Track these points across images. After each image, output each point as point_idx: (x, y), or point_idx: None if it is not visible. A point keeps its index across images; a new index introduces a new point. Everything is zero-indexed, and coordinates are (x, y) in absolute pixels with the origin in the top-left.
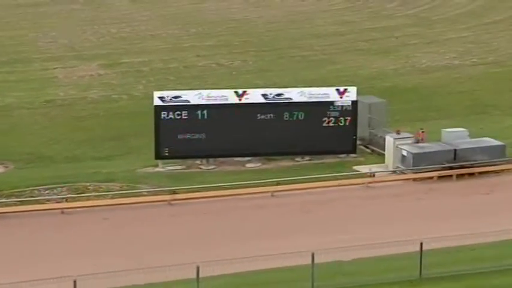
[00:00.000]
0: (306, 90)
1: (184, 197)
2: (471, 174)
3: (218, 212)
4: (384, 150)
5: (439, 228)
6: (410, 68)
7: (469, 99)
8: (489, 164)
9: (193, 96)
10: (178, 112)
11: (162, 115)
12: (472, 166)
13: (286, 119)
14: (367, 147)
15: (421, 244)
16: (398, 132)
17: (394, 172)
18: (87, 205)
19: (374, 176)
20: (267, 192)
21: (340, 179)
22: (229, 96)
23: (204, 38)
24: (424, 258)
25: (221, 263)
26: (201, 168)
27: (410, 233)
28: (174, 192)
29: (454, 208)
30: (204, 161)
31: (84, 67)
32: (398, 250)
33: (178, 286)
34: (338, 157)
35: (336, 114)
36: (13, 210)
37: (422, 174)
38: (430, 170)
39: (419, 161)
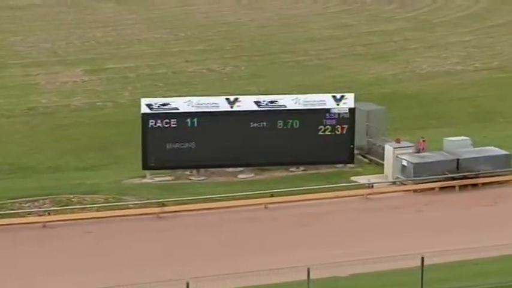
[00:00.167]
0: (301, 97)
1: (173, 210)
2: (474, 185)
3: (209, 226)
4: (383, 160)
5: (441, 241)
6: (410, 74)
7: (472, 106)
8: (493, 174)
9: (183, 104)
10: (166, 120)
11: (150, 123)
12: (475, 177)
13: (280, 127)
14: (365, 157)
15: (422, 259)
16: (398, 141)
17: (393, 183)
18: (70, 218)
19: (373, 187)
20: (260, 204)
21: (337, 190)
22: (220, 104)
23: (193, 42)
24: (426, 274)
25: (212, 279)
26: (190, 179)
27: (411, 247)
28: (162, 204)
29: (457, 221)
30: (194, 171)
31: (67, 73)
32: (398, 265)
33: None
34: (335, 167)
35: (333, 122)
36: None
37: (423, 185)
38: (431, 180)
39: (420, 171)
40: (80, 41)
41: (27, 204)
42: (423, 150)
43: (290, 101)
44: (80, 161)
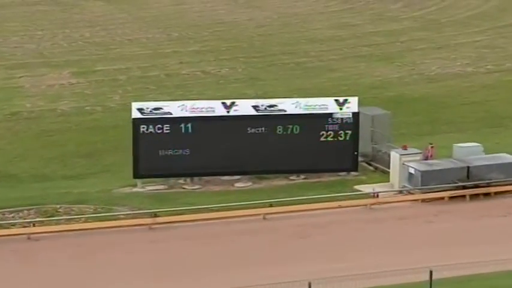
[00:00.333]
0: (302, 100)
1: (166, 221)
2: (486, 195)
3: (204, 238)
4: (389, 168)
5: (450, 254)
6: (417, 76)
7: (483, 110)
8: (506, 183)
9: (176, 108)
10: (159, 125)
11: (141, 129)
12: (487, 185)
13: (280, 133)
14: (370, 165)
15: (431, 272)
16: (404, 148)
17: (400, 192)
18: (56, 230)
19: (378, 196)
20: (259, 214)
21: (340, 200)
22: (216, 108)
23: (187, 43)
24: None
25: None
26: (184, 188)
27: (419, 260)
28: (154, 215)
29: (468, 232)
30: (188, 180)
31: (53, 75)
32: (405, 279)
33: None
34: (337, 175)
35: (335, 127)
36: None
37: (431, 194)
38: (440, 189)
39: (428, 179)
40: (66, 41)
41: (11, 215)
42: (431, 157)
43: (290, 105)
44: (67, 169)
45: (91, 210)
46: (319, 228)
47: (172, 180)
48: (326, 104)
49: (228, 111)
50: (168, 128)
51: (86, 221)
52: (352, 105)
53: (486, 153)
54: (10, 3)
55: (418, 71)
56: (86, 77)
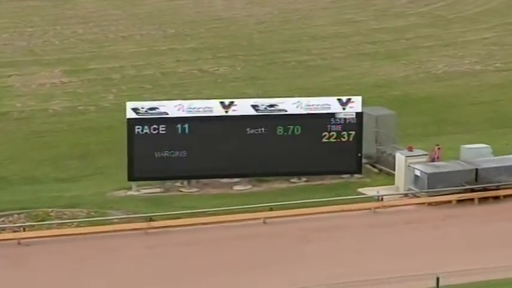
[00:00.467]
0: (303, 100)
1: (162, 225)
2: (496, 198)
3: (201, 243)
4: (394, 170)
5: (458, 260)
6: (423, 75)
7: (492, 110)
8: None
9: (173, 108)
10: (155, 126)
11: (136, 130)
12: (496, 188)
13: (280, 133)
14: (374, 167)
15: (438, 279)
16: (410, 149)
17: (405, 195)
18: (48, 235)
19: (382, 200)
20: (259, 219)
21: (343, 203)
22: (214, 108)
23: (184, 40)
24: None
25: None
26: (181, 191)
27: (425, 266)
28: (150, 219)
29: (476, 237)
30: (185, 182)
31: (45, 74)
32: (410, 286)
33: None
34: (340, 178)
35: (338, 128)
36: None
37: (438, 197)
38: (447, 193)
39: (435, 182)
40: (58, 38)
41: (1, 219)
42: (438, 159)
43: (291, 105)
44: (59, 172)
45: (84, 214)
46: (321, 233)
47: (168, 183)
48: (328, 104)
49: (226, 111)
50: (164, 129)
51: (78, 226)
52: (356, 105)
53: (495, 155)
54: None
55: (424, 69)
56: (78, 76)
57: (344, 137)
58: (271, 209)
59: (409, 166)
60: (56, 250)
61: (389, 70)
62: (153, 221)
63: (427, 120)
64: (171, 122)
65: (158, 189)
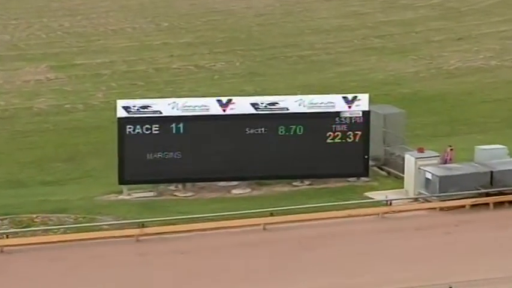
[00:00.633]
0: (306, 98)
1: (155, 232)
2: None
3: (197, 251)
4: (403, 173)
5: (472, 269)
6: (434, 71)
7: (508, 108)
8: None
9: (166, 106)
10: (147, 126)
11: (128, 129)
12: None
13: (282, 133)
14: (382, 169)
15: None
16: (420, 150)
17: (415, 200)
18: (33, 242)
19: (391, 204)
20: (258, 225)
21: (349, 208)
22: (210, 106)
23: (178, 33)
24: None
25: None
26: (176, 196)
27: (437, 275)
28: (142, 225)
29: (491, 244)
30: (180, 186)
31: (29, 70)
32: None
33: None
34: (346, 181)
35: (343, 127)
36: None
37: (451, 202)
38: (460, 197)
39: (447, 185)
40: (44, 32)
41: None
42: (450, 161)
43: (293, 103)
44: (45, 174)
45: (71, 220)
46: (326, 240)
47: (162, 187)
48: (333, 102)
49: (224, 110)
50: (157, 129)
51: (65, 232)
52: (362, 103)
53: (511, 157)
54: None
55: (435, 65)
56: (65, 72)
57: (350, 138)
58: (271, 215)
59: (419, 168)
60: (41, 258)
61: (398, 66)
62: (146, 227)
63: (439, 119)
64: (165, 121)
65: (151, 193)
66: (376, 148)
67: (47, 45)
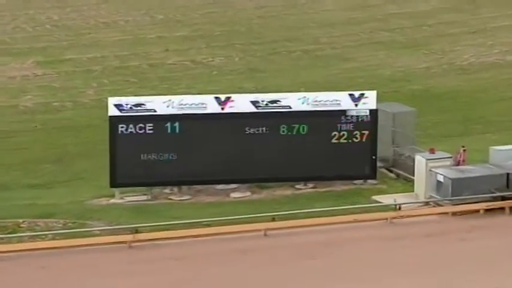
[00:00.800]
0: (310, 95)
1: (148, 238)
2: None
3: (193, 258)
4: (413, 175)
5: (486, 278)
6: (447, 67)
7: None
8: None
9: (161, 104)
10: (141, 125)
11: (120, 129)
12: None
13: (284, 133)
14: (391, 171)
15: None
16: (432, 151)
17: (426, 204)
18: (19, 249)
19: (400, 209)
20: (259, 230)
21: (355, 213)
22: (208, 104)
23: (174, 27)
24: None
25: None
26: (171, 199)
27: (449, 284)
28: (135, 231)
29: (507, 251)
30: (175, 189)
31: (15, 65)
32: None
33: None
34: (352, 184)
35: (350, 127)
36: None
37: (464, 206)
38: (474, 201)
39: (460, 189)
40: (31, 25)
41: None
42: (463, 162)
43: (296, 101)
44: (31, 177)
45: (60, 225)
46: (330, 247)
47: (156, 190)
48: (339, 100)
49: (222, 108)
50: (151, 128)
51: (53, 239)
52: (370, 100)
53: None
54: None
55: (448, 60)
56: (53, 68)
57: (356, 138)
58: (273, 220)
59: (430, 170)
60: (28, 266)
61: (407, 61)
62: (139, 233)
63: (451, 118)
64: (160, 120)
65: (144, 197)
66: (384, 149)
67: (34, 39)
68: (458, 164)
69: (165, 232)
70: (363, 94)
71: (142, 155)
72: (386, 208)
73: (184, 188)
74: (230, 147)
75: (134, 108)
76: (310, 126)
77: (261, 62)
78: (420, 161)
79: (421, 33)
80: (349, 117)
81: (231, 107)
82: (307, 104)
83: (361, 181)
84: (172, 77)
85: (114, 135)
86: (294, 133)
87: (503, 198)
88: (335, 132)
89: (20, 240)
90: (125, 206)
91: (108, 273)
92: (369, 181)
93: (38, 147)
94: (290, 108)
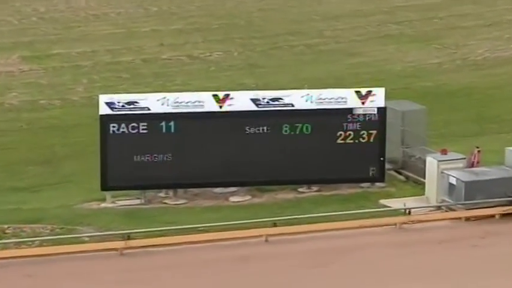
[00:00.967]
0: (314, 93)
1: (142, 245)
2: None
3: (190, 266)
4: (424, 178)
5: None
6: (460, 62)
7: None
8: None
9: (155, 102)
10: (134, 124)
11: (112, 128)
12: None
13: (286, 133)
14: (400, 173)
15: None
16: (444, 152)
17: (438, 208)
18: (3, 256)
19: (410, 213)
20: (260, 236)
21: (362, 218)
22: (205, 102)
23: (169, 19)
24: None
25: None
26: (166, 203)
27: None
28: (127, 237)
29: None
30: (171, 193)
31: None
32: None
33: None
34: (359, 187)
35: (356, 126)
36: None
37: (478, 211)
38: (489, 205)
39: (473, 192)
40: (16, 17)
41: None
42: (478, 164)
43: (299, 99)
44: (17, 180)
45: (47, 231)
46: (335, 254)
47: (150, 193)
48: (344, 97)
49: (220, 106)
50: (145, 128)
51: (40, 245)
52: (378, 98)
53: None
54: None
55: (461, 55)
56: (40, 63)
57: (363, 138)
58: (274, 225)
59: (442, 173)
60: (13, 275)
61: (418, 56)
62: (131, 239)
63: (464, 116)
64: (154, 119)
65: (138, 201)
66: (393, 149)
67: (19, 33)
68: (472, 165)
69: (160, 239)
70: (370, 91)
71: (135, 156)
72: (395, 213)
73: (180, 191)
74: (229, 148)
75: (127, 106)
76: (314, 125)
77: (261, 57)
78: (431, 162)
79: (432, 26)
80: (355, 116)
81: (229, 105)
82: (311, 102)
83: (368, 184)
84: (167, 73)
85: (105, 135)
86: (297, 133)
87: None
88: (340, 132)
89: (5, 247)
90: (116, 211)
91: (99, 282)
92: (377, 184)
93: (23, 148)
94: (293, 106)
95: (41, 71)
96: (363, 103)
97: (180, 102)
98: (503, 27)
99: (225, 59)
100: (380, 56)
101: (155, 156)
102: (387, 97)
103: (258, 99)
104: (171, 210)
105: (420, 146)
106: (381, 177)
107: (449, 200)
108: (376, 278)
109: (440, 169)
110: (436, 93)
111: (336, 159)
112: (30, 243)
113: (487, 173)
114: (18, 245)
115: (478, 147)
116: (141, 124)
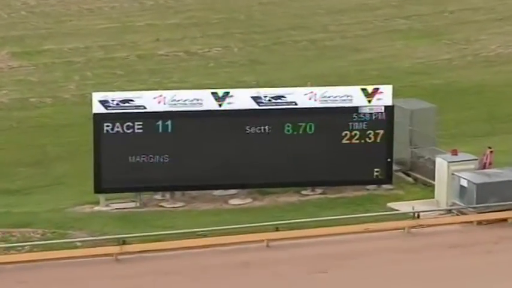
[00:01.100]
0: (318, 90)
1: (137, 250)
2: None
3: (187, 272)
4: (434, 180)
5: None
6: (471, 58)
7: None
8: None
9: (152, 100)
10: (129, 123)
11: (105, 128)
12: None
13: (289, 133)
14: (408, 175)
15: None
16: (454, 153)
17: (448, 212)
18: None
19: (419, 217)
20: (261, 241)
21: (369, 222)
22: (204, 100)
23: (166, 13)
24: None
25: None
26: (162, 207)
27: None
28: (122, 242)
29: None
30: (168, 195)
31: None
32: None
33: None
34: (365, 189)
35: (362, 125)
36: None
37: (490, 214)
38: (502, 208)
39: (486, 195)
40: (5, 11)
41: None
42: (490, 165)
43: (302, 97)
44: (6, 182)
45: (38, 236)
46: (341, 260)
47: (146, 196)
48: (350, 95)
49: (220, 105)
50: (140, 127)
51: (31, 251)
52: (385, 96)
53: None
54: None
55: (472, 50)
56: (31, 59)
57: (370, 138)
58: (276, 229)
59: (452, 174)
60: (2, 281)
61: (427, 52)
62: (126, 244)
63: (476, 115)
64: (150, 118)
65: (133, 204)
66: (401, 150)
67: (9, 27)
68: (484, 167)
69: (156, 243)
70: (377, 89)
71: (130, 157)
72: (403, 216)
73: (178, 194)
74: (229, 148)
75: (121, 104)
76: (318, 124)
77: (263, 53)
78: (441, 163)
79: (442, 20)
80: (361, 115)
81: (229, 103)
82: (315, 100)
83: (375, 186)
84: (164, 69)
85: (98, 135)
86: (300, 133)
87: None
88: (346, 132)
89: None
90: (110, 214)
91: None
92: (384, 186)
93: (13, 148)
94: (295, 104)
95: (31, 68)
96: (369, 101)
97: (178, 101)
98: None
99: (225, 55)
100: (387, 51)
101: (151, 157)
102: (395, 95)
103: (259, 97)
104: (168, 213)
105: (429, 146)
106: (388, 179)
107: (460, 203)
108: (383, 285)
109: (451, 171)
110: (446, 91)
111: (341, 160)
112: (20, 248)
113: (500, 174)
114: (7, 250)
115: (490, 148)
116: (137, 123)
